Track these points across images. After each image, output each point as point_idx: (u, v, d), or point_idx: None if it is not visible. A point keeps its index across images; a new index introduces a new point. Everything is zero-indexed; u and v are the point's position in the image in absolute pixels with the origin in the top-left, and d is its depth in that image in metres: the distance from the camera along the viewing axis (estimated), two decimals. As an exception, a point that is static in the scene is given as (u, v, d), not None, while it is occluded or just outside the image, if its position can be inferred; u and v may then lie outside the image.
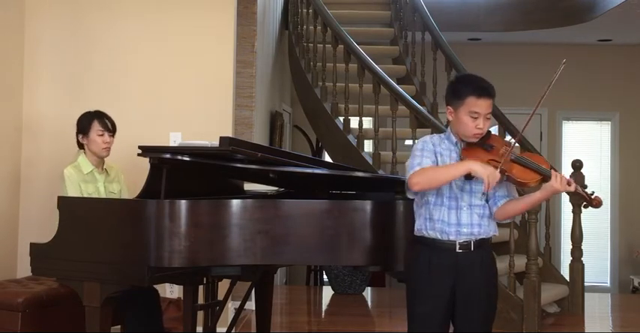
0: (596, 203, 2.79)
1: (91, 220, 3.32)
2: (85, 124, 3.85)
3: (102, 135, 3.82)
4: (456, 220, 2.78)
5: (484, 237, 2.82)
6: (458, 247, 2.78)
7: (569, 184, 2.68)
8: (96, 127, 3.82)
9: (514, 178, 2.75)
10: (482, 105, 2.74)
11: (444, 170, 2.73)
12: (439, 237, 2.79)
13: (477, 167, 2.65)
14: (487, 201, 2.84)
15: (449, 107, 2.82)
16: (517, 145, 2.86)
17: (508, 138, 5.69)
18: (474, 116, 2.75)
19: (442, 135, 2.90)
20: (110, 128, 3.86)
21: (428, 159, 2.78)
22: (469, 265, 2.78)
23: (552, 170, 2.74)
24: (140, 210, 3.16)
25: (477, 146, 2.80)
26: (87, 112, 3.91)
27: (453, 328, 2.86)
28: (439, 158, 2.81)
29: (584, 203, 2.83)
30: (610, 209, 8.91)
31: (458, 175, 2.71)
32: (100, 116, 3.87)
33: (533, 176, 2.75)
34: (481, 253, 2.81)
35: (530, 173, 2.75)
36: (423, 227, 2.84)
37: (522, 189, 2.89)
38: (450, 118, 2.84)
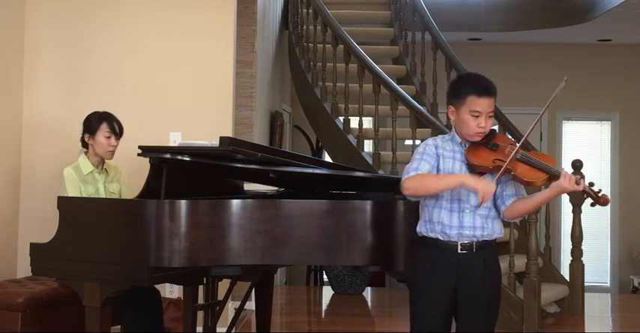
0: (603, 201, 2.74)
1: (91, 220, 3.32)
2: (92, 124, 3.83)
3: (109, 137, 3.82)
4: (458, 222, 2.77)
5: (487, 239, 2.80)
6: (460, 247, 2.77)
7: (577, 183, 2.63)
8: (104, 129, 3.81)
9: (520, 177, 2.73)
10: (483, 104, 2.73)
11: (435, 180, 2.73)
12: (441, 238, 2.78)
13: (469, 181, 2.64)
14: (495, 201, 2.82)
15: (450, 107, 2.81)
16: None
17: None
18: (475, 115, 2.73)
19: (446, 136, 2.89)
20: (117, 132, 3.85)
21: (427, 163, 2.76)
22: (471, 266, 2.78)
23: (562, 169, 2.72)
24: (140, 210, 3.16)
25: (482, 145, 2.78)
26: (96, 113, 3.90)
27: (456, 328, 2.86)
28: (442, 160, 2.79)
29: (592, 202, 2.79)
30: (610, 209, 8.90)
31: (448, 187, 2.71)
32: (108, 118, 3.85)
33: (540, 175, 2.73)
34: (484, 255, 2.80)
35: (536, 172, 2.73)
36: (423, 229, 2.84)
37: (529, 188, 2.87)
38: (453, 118, 2.83)
